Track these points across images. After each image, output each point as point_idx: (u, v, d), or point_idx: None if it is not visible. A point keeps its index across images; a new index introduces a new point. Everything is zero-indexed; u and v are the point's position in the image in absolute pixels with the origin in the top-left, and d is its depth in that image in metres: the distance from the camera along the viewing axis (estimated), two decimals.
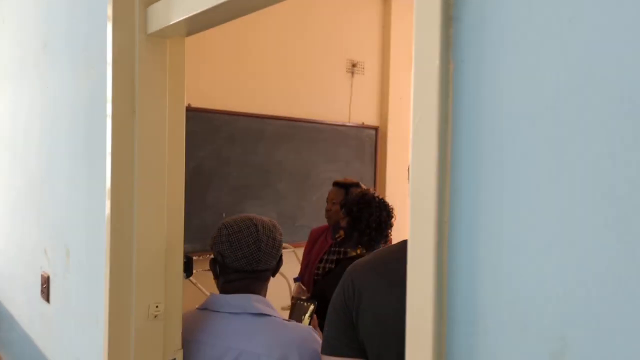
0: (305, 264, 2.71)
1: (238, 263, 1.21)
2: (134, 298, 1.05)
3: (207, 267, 3.41)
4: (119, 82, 1.08)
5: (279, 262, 1.31)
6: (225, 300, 1.21)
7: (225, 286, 1.25)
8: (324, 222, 4.02)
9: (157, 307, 1.05)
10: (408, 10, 4.50)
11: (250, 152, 3.57)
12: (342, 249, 2.51)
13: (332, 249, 2.62)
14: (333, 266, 2.49)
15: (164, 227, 1.13)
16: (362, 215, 2.03)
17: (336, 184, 2.70)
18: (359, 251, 2.06)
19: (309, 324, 2.01)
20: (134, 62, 1.08)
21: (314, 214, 3.95)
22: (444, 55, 0.43)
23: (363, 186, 2.69)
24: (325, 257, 2.60)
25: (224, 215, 3.44)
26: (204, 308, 1.24)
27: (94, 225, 1.18)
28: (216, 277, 1.28)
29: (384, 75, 4.42)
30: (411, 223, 0.47)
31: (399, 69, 4.45)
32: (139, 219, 1.09)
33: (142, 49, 1.08)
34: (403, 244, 1.08)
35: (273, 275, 1.31)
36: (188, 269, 1.18)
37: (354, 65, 4.19)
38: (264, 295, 1.27)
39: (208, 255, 3.42)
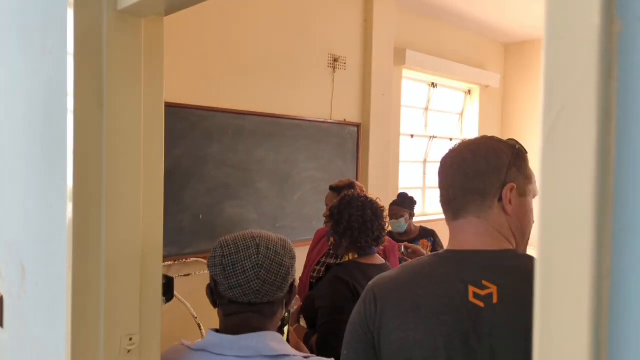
0: (306, 264, 2.59)
1: (232, 293, 0.99)
2: (102, 328, 0.87)
3: (185, 272, 3.17)
4: (82, 70, 0.90)
5: (291, 292, 1.07)
6: (231, 341, 0.97)
7: (226, 321, 1.02)
8: (305, 223, 3.88)
9: (130, 339, 0.87)
10: (390, 3, 4.38)
11: (229, 150, 3.39)
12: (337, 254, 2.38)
13: (331, 251, 2.48)
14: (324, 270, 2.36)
15: (138, 240, 0.96)
16: (342, 217, 1.88)
17: (330, 188, 2.57)
18: (350, 257, 1.92)
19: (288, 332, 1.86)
20: (101, 46, 0.90)
21: (296, 214, 3.80)
22: (605, 10, 0.27)
23: (357, 185, 2.55)
24: (323, 259, 2.47)
25: (200, 217, 3.25)
26: (201, 349, 0.99)
27: (53, 236, 1.00)
28: (214, 305, 1.06)
29: (366, 70, 4.29)
30: (541, 274, 0.30)
31: (381, 64, 4.33)
32: (108, 229, 0.91)
33: (111, 29, 0.90)
34: (433, 259, 0.94)
35: (285, 310, 1.08)
36: (168, 292, 0.99)
37: (335, 60, 4.04)
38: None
39: (184, 261, 3.26)
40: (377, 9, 4.24)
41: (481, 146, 0.94)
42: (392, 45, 4.43)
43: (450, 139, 5.55)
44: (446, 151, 1.00)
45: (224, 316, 1.02)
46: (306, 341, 1.85)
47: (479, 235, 0.91)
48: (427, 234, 3.25)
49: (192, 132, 3.20)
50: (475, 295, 0.84)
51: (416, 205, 3.24)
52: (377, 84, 4.30)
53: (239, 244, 1.02)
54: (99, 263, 0.88)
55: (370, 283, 0.96)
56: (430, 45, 4.93)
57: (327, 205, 2.59)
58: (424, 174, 5.31)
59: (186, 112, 3.16)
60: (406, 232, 3.19)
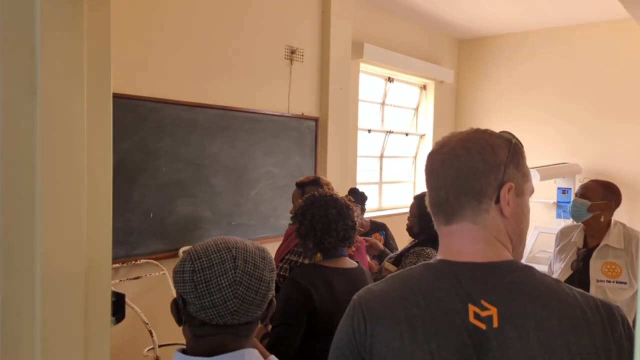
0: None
1: (205, 314, 0.86)
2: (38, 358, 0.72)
3: (135, 274, 2.95)
4: (9, 51, 0.74)
5: (269, 307, 0.96)
6: None
7: (194, 343, 0.90)
8: (262, 220, 3.75)
9: None
10: None
11: (181, 144, 3.20)
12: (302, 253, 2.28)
13: (295, 249, 2.37)
14: (288, 267, 2.25)
15: (81, 251, 0.82)
16: (305, 218, 1.79)
17: (296, 184, 2.46)
18: (318, 258, 1.82)
19: None
20: (33, 22, 0.75)
21: (252, 211, 3.66)
22: None
23: (323, 181, 2.45)
24: (287, 256, 2.35)
25: (151, 215, 3.05)
26: None
27: None
28: (179, 324, 0.93)
29: (324, 63, 4.19)
30: None
31: (339, 57, 4.25)
32: (44, 240, 0.77)
33: (45, 8, 0.75)
34: (427, 272, 0.83)
35: (262, 323, 0.96)
36: (119, 310, 0.85)
37: (292, 52, 3.92)
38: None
39: (133, 263, 3.06)
40: (335, 1, 4.15)
41: (476, 141, 0.85)
42: (350, 38, 4.35)
43: (406, 134, 5.57)
44: (434, 147, 0.90)
45: (193, 337, 0.89)
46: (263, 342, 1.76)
47: (475, 242, 0.83)
48: (378, 227, 3.23)
49: (141, 125, 2.99)
50: (476, 316, 0.76)
51: (367, 201, 3.22)
52: (335, 77, 4.21)
53: (212, 256, 0.88)
54: (32, 283, 0.73)
55: (356, 297, 0.86)
56: (387, 39, 4.90)
57: (293, 202, 2.48)
58: (381, 169, 5.30)
59: (135, 103, 2.95)
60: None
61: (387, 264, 2.38)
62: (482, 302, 0.76)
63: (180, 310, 0.90)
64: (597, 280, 2.09)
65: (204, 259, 0.88)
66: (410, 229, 2.37)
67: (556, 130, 5.31)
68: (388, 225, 3.30)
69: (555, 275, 2.23)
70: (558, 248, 2.35)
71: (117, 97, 2.71)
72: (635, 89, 4.85)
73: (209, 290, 0.86)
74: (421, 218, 2.28)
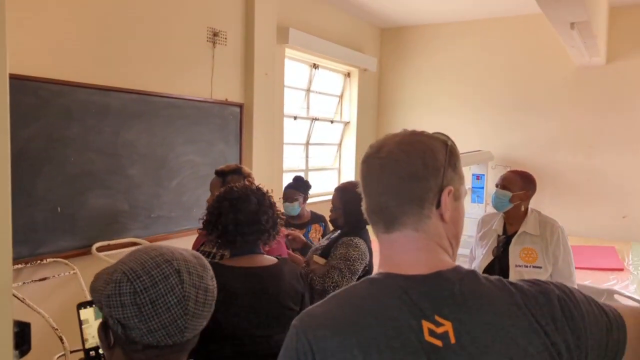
0: None
1: (152, 337, 0.78)
2: None
3: (40, 275, 2.67)
4: None
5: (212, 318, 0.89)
6: None
7: None
8: (185, 211, 3.56)
9: None
10: None
11: (92, 131, 2.93)
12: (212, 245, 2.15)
13: (211, 239, 2.24)
14: None
15: None
16: (218, 220, 1.68)
17: (215, 173, 2.31)
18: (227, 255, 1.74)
19: None
20: None
21: (174, 202, 3.47)
22: None
23: (244, 171, 2.33)
24: (202, 248, 2.22)
25: (58, 209, 2.77)
26: None
27: None
28: (108, 348, 0.83)
29: (248, 47, 4.04)
30: None
31: (264, 41, 4.11)
32: None
33: None
34: (372, 288, 0.77)
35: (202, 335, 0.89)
36: (24, 342, 0.72)
37: (215, 35, 3.73)
38: None
39: (39, 262, 2.76)
40: None
41: (414, 145, 0.81)
42: (275, 21, 4.23)
43: (332, 122, 5.57)
44: (370, 150, 0.84)
45: None
46: None
47: (419, 251, 0.79)
48: (318, 219, 3.20)
49: (44, 110, 2.69)
50: (431, 333, 0.72)
51: (310, 190, 3.17)
52: (260, 62, 4.08)
53: (152, 273, 0.79)
54: None
55: (297, 323, 0.77)
56: (312, 25, 4.83)
57: (211, 191, 2.34)
58: (307, 156, 5.26)
59: (36, 86, 2.64)
60: (299, 216, 3.12)
61: (315, 257, 2.33)
62: (436, 317, 0.73)
63: (116, 337, 0.80)
64: (516, 265, 2.20)
65: (145, 277, 0.78)
66: (334, 221, 2.34)
67: (471, 119, 5.58)
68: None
69: (477, 261, 2.33)
70: (480, 235, 2.45)
71: (14, 78, 2.40)
72: (544, 81, 5.20)
73: (156, 311, 0.78)
74: (346, 210, 2.26)
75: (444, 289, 0.76)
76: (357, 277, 2.15)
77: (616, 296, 3.18)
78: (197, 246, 2.29)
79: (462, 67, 5.62)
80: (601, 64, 4.85)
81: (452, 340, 0.71)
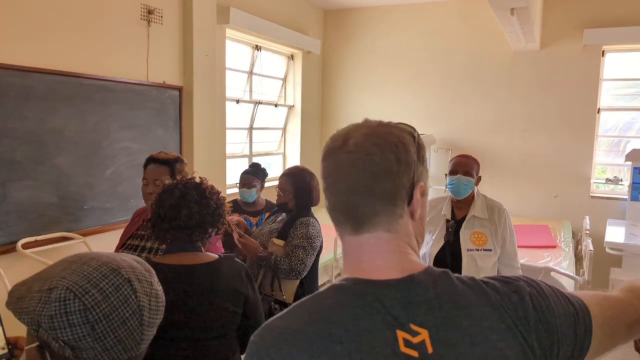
0: (116, 249, 2.14)
1: (107, 355, 0.73)
2: None
3: None
4: None
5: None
6: None
7: None
8: (122, 202, 3.34)
9: None
10: None
11: (12, 117, 2.65)
12: (146, 237, 2.01)
13: (137, 232, 2.08)
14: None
15: None
16: (166, 216, 1.57)
17: (154, 161, 2.11)
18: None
19: None
20: None
21: (109, 192, 3.24)
22: None
23: (177, 168, 2.16)
24: (129, 241, 2.07)
25: None
26: None
27: None
28: None
29: (187, 27, 3.82)
30: None
31: (203, 21, 3.90)
32: None
33: None
34: (341, 297, 0.70)
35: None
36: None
37: (150, 12, 3.48)
38: None
39: None
40: None
41: (386, 137, 0.74)
42: (215, 0, 4.02)
43: (275, 105, 5.44)
44: (333, 143, 0.76)
45: None
46: None
47: (391, 253, 0.73)
48: (273, 207, 3.11)
49: None
50: (407, 344, 0.66)
51: (267, 177, 3.13)
52: (199, 43, 3.87)
53: (102, 285, 0.73)
54: None
55: (256, 339, 0.68)
56: (253, 5, 4.65)
57: (151, 182, 2.15)
58: (251, 141, 5.11)
59: None
60: (254, 204, 3.05)
61: (274, 240, 2.32)
62: (411, 326, 0.67)
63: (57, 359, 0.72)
64: (468, 250, 2.23)
65: (94, 291, 0.72)
66: (283, 205, 2.41)
67: (413, 103, 5.64)
68: None
69: (428, 247, 2.33)
70: (427, 220, 2.45)
71: None
72: (483, 66, 5.33)
73: (111, 326, 0.73)
74: (297, 194, 2.38)
75: (419, 295, 0.70)
76: (316, 252, 2.33)
77: (552, 274, 3.34)
78: (124, 238, 2.13)
79: (404, 51, 5.64)
80: (536, 49, 5.03)
81: (429, 350, 0.66)
